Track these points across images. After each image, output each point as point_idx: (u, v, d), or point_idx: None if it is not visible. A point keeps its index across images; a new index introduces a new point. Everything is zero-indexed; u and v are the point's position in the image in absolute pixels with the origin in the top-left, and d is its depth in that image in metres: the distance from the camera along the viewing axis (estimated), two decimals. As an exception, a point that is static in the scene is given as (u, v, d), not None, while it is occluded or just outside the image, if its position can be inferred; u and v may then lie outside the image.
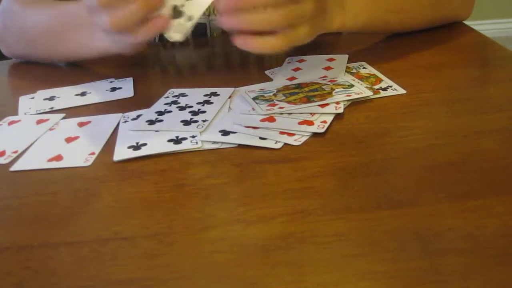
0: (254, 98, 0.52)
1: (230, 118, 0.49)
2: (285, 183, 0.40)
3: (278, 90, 0.53)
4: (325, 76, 0.56)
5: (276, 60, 0.64)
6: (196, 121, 0.49)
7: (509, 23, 2.64)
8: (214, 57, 0.70)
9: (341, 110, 0.49)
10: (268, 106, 0.50)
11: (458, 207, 0.35)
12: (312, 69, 0.59)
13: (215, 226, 0.36)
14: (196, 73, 0.65)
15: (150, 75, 0.65)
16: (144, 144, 0.46)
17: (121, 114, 0.53)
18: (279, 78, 0.58)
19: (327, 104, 0.49)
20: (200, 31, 0.78)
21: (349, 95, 0.51)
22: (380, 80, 0.55)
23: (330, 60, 0.61)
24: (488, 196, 0.36)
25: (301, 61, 0.62)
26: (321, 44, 0.67)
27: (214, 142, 0.46)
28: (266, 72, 0.60)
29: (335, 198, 0.38)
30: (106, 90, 0.60)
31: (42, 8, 0.67)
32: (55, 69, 0.71)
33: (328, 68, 0.59)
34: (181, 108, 0.52)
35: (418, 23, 0.65)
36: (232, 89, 0.55)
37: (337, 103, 0.50)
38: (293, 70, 0.59)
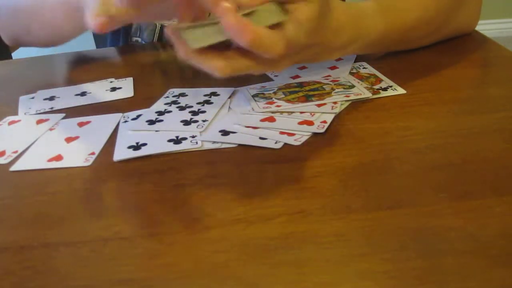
0: (254, 96, 0.52)
1: (230, 118, 0.49)
2: (285, 183, 0.40)
3: (279, 88, 0.53)
4: (329, 76, 0.56)
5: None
6: (196, 121, 0.49)
7: (509, 23, 2.64)
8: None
9: (337, 110, 0.49)
10: (265, 104, 0.50)
11: (458, 207, 0.35)
12: (317, 68, 0.59)
13: (215, 226, 0.36)
14: (196, 73, 0.64)
15: (150, 75, 0.65)
16: (144, 144, 0.46)
17: (121, 114, 0.53)
18: (284, 76, 0.58)
19: (324, 104, 0.49)
20: None
21: (348, 96, 0.51)
22: (380, 80, 0.55)
23: (337, 59, 0.61)
24: (488, 196, 0.36)
25: None
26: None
27: (214, 142, 0.46)
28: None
29: (335, 198, 0.38)
30: (106, 90, 0.60)
31: None
32: (55, 69, 0.71)
33: (333, 68, 0.59)
34: (181, 108, 0.52)
35: (423, 44, 0.63)
36: (232, 89, 0.55)
37: (334, 103, 0.50)
38: (298, 68, 0.59)
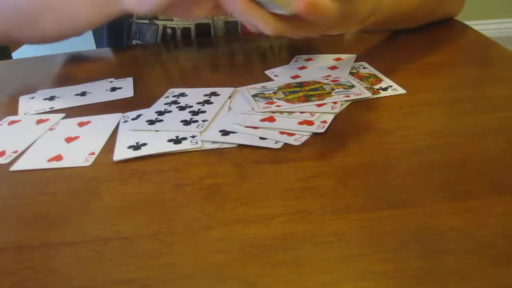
0: (254, 96, 0.52)
1: (230, 118, 0.49)
2: (285, 183, 0.40)
3: (279, 88, 0.54)
4: (329, 76, 0.56)
5: (278, 59, 0.64)
6: (196, 121, 0.49)
7: (509, 23, 2.64)
8: (214, 57, 0.70)
9: (337, 110, 0.49)
10: (265, 104, 0.50)
11: (458, 207, 0.35)
12: (317, 68, 0.59)
13: (215, 226, 0.36)
14: (196, 73, 0.65)
15: (150, 75, 0.65)
16: (144, 144, 0.46)
17: (121, 114, 0.53)
18: (284, 76, 0.58)
19: (324, 104, 0.50)
20: (204, 31, 0.78)
21: (348, 96, 0.51)
22: (380, 80, 0.55)
23: (337, 59, 0.61)
24: (488, 196, 0.36)
25: (308, 59, 0.62)
26: (320, 43, 0.67)
27: (214, 142, 0.46)
28: (266, 72, 0.60)
29: (335, 198, 0.37)
30: (106, 90, 0.60)
31: None
32: (55, 69, 0.71)
33: (333, 68, 0.59)
34: (181, 108, 0.52)
35: (421, 23, 0.69)
36: (232, 89, 0.55)
37: (334, 103, 0.50)
38: (298, 68, 0.59)
